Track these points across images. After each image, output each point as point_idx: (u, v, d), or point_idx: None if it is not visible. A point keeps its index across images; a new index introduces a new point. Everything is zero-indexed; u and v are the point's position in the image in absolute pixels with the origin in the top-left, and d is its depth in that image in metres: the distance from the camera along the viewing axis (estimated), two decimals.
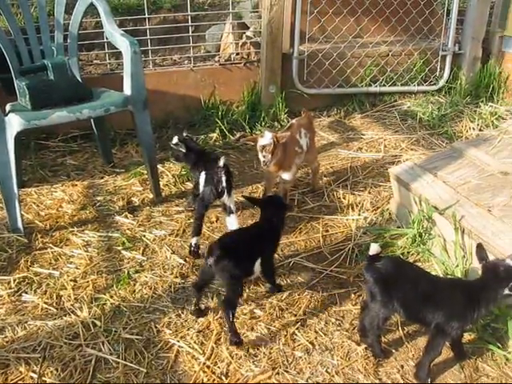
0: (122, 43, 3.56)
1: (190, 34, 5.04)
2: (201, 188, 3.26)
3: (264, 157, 3.37)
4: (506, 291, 2.34)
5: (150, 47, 4.92)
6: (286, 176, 3.61)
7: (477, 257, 2.46)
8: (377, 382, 2.44)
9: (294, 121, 3.81)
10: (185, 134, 3.52)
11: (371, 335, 2.51)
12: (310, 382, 2.44)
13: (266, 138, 3.36)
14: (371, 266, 2.45)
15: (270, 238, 2.91)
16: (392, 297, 2.39)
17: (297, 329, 2.73)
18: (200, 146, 3.86)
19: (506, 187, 3.15)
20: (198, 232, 3.23)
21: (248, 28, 5.25)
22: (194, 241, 3.22)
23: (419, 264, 3.12)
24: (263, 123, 4.90)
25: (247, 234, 2.93)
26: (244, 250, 2.71)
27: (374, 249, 2.44)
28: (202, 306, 2.84)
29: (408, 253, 3.20)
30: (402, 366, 2.53)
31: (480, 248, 2.46)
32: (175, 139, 3.44)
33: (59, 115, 3.33)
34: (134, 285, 3.03)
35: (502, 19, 5.68)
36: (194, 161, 3.43)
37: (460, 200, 3.07)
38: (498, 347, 2.56)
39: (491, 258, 2.49)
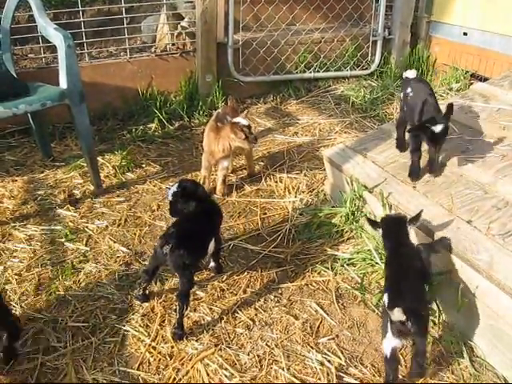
0: (56, 37, 3.57)
1: (125, 25, 5.06)
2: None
3: (251, 133, 3.57)
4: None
5: (85, 40, 4.92)
6: (226, 163, 3.74)
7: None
8: (314, 351, 2.61)
9: (219, 110, 3.94)
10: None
11: None
12: (251, 355, 2.58)
13: (243, 120, 3.56)
14: None
15: (218, 217, 3.02)
16: None
17: (237, 307, 2.87)
18: None
19: None
20: None
21: (183, 18, 5.31)
22: None
23: (352, 241, 3.31)
24: (201, 112, 4.99)
25: (200, 218, 2.91)
26: (199, 238, 2.78)
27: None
28: (147, 292, 2.94)
29: (342, 230, 3.38)
30: (337, 336, 2.71)
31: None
32: None
33: None
34: (79, 275, 3.10)
35: (428, 5, 5.93)
36: None
37: (387, 178, 3.26)
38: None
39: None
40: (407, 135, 3.38)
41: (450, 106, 3.08)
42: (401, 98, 3.58)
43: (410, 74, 3.50)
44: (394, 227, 2.64)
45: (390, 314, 2.25)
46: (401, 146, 3.55)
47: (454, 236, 2.69)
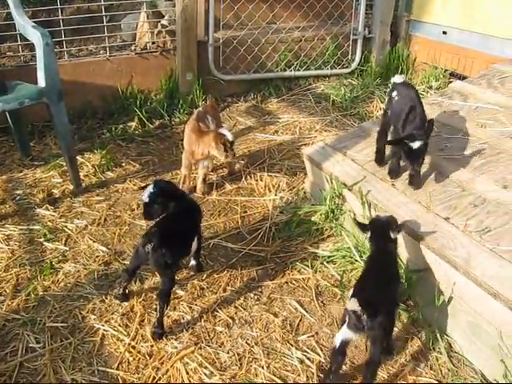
0: (34, 35, 3.56)
1: (105, 23, 5.03)
2: None
3: (232, 150, 3.56)
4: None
5: (64, 38, 4.88)
6: (206, 162, 3.73)
7: None
8: (294, 349, 2.62)
9: (200, 108, 3.93)
10: None
11: None
12: (230, 353, 2.59)
13: (230, 136, 3.54)
14: None
15: (199, 215, 3.01)
16: None
17: (217, 305, 2.87)
18: None
19: None
20: None
21: (163, 16, 5.29)
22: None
23: (332, 238, 3.32)
24: (181, 110, 4.98)
25: (183, 217, 2.91)
26: (181, 236, 2.78)
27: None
28: (127, 291, 2.92)
29: (322, 228, 3.39)
30: (317, 333, 2.72)
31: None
32: None
33: None
34: (57, 275, 3.08)
35: (408, 4, 5.98)
36: None
37: (367, 176, 3.27)
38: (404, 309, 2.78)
39: None
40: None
41: (431, 123, 3.05)
42: (386, 103, 3.56)
43: (397, 78, 3.47)
44: (379, 231, 2.65)
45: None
46: (380, 160, 3.43)
47: (432, 233, 2.72)
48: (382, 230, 2.63)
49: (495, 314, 2.39)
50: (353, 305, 2.22)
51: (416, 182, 3.14)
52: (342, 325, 2.33)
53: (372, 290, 2.36)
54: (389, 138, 3.41)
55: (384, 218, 2.70)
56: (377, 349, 2.33)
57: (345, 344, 2.33)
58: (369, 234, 2.65)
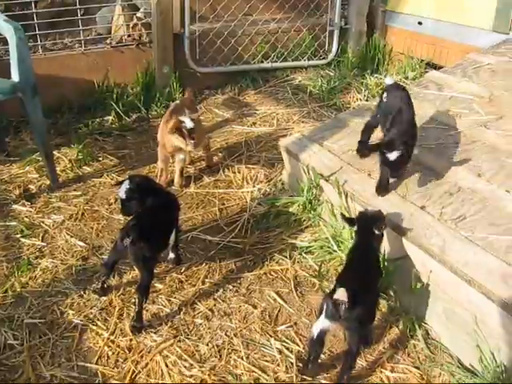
0: (6, 29, 3.51)
1: (80, 16, 4.97)
2: None
3: (192, 138, 3.45)
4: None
5: (38, 31, 4.82)
6: (182, 155, 3.72)
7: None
8: (273, 340, 2.63)
9: (177, 101, 3.91)
10: None
11: None
12: (210, 345, 2.59)
13: (189, 122, 3.44)
14: None
15: (177, 209, 3.01)
16: None
17: (196, 298, 2.87)
18: None
19: None
20: None
21: (138, 9, 5.25)
22: None
23: (310, 229, 3.34)
24: (159, 104, 4.95)
25: (161, 211, 2.91)
26: (159, 230, 2.77)
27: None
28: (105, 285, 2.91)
29: (300, 219, 3.40)
30: (296, 323, 2.74)
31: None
32: None
33: None
34: (35, 271, 3.06)
35: None
36: None
37: (343, 166, 3.29)
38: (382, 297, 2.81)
39: None
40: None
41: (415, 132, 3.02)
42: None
43: (388, 80, 3.42)
44: (363, 225, 2.65)
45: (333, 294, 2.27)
46: (361, 150, 3.36)
47: (408, 222, 2.75)
48: (367, 225, 2.62)
49: (470, 300, 2.43)
50: (341, 294, 2.23)
51: (382, 188, 3.01)
52: (320, 314, 2.35)
53: (354, 281, 2.36)
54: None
55: (371, 212, 2.71)
56: (355, 339, 2.35)
57: (323, 334, 2.35)
58: (355, 228, 2.65)
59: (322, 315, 2.32)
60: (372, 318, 2.53)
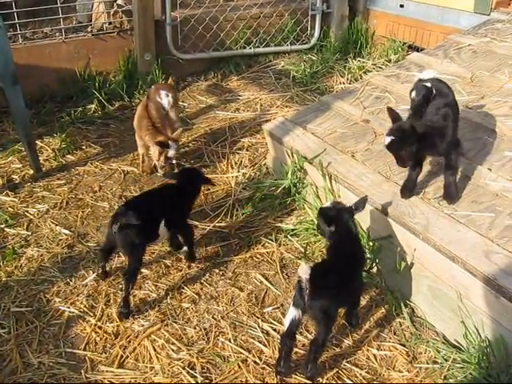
0: None
1: (59, 4, 4.91)
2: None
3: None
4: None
5: (17, 21, 4.76)
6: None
7: (390, 118, 2.67)
8: (260, 321, 2.65)
9: (152, 86, 3.98)
10: None
11: None
12: (197, 328, 2.61)
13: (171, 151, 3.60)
14: None
15: (178, 202, 2.96)
16: None
17: (183, 282, 2.88)
18: None
19: (367, 134, 3.41)
20: None
21: None
22: None
23: (295, 212, 3.35)
24: (141, 91, 4.92)
25: (151, 197, 2.94)
26: (148, 217, 2.72)
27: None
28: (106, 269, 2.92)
29: (285, 202, 3.41)
30: (282, 305, 2.76)
31: (390, 110, 2.69)
32: None
33: None
34: (20, 260, 3.05)
35: None
36: None
37: (327, 149, 3.30)
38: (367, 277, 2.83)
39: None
40: None
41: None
42: None
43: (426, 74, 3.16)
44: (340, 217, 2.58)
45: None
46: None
47: (392, 201, 2.77)
48: (343, 220, 2.56)
49: (454, 277, 2.46)
50: (304, 270, 2.22)
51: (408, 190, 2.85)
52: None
53: (331, 272, 2.36)
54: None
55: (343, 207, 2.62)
56: (321, 329, 2.30)
57: (294, 325, 2.28)
58: (333, 228, 2.55)
59: (291, 305, 2.29)
60: (358, 303, 2.56)
